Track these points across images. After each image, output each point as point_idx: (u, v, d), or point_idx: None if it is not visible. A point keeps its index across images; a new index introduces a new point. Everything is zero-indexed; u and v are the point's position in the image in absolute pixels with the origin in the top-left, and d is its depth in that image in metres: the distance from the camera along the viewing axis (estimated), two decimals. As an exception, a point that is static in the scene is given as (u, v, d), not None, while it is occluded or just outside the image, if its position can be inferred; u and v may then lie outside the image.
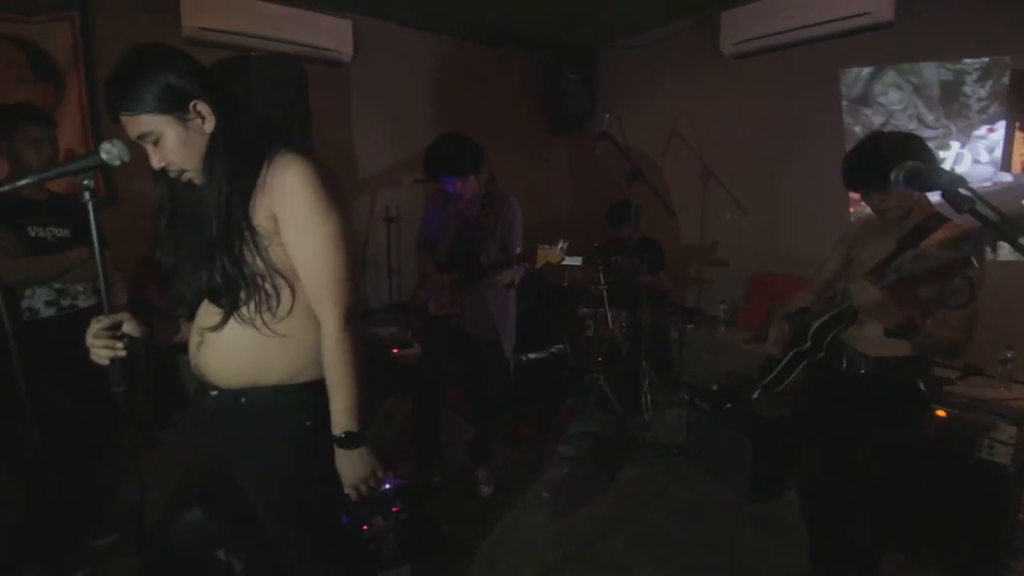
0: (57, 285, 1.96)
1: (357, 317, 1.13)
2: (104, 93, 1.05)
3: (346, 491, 1.19)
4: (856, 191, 1.63)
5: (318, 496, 1.24)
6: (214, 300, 1.14)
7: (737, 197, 4.00)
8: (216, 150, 1.08)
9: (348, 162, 4.17)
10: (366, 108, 4.20)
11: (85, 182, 1.06)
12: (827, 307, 1.66)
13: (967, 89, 2.94)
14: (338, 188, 1.12)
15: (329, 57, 3.77)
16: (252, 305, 1.10)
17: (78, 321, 1.96)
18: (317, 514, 1.26)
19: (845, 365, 1.64)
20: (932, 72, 3.01)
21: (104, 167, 1.08)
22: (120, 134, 1.07)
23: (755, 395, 1.83)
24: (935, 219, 1.51)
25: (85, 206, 1.09)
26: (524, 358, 3.55)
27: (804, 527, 1.98)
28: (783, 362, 1.77)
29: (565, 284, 4.08)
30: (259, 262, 1.09)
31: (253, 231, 1.08)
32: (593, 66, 4.85)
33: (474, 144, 2.34)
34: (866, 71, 3.24)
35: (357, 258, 1.15)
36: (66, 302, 1.99)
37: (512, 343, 2.57)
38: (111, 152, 1.06)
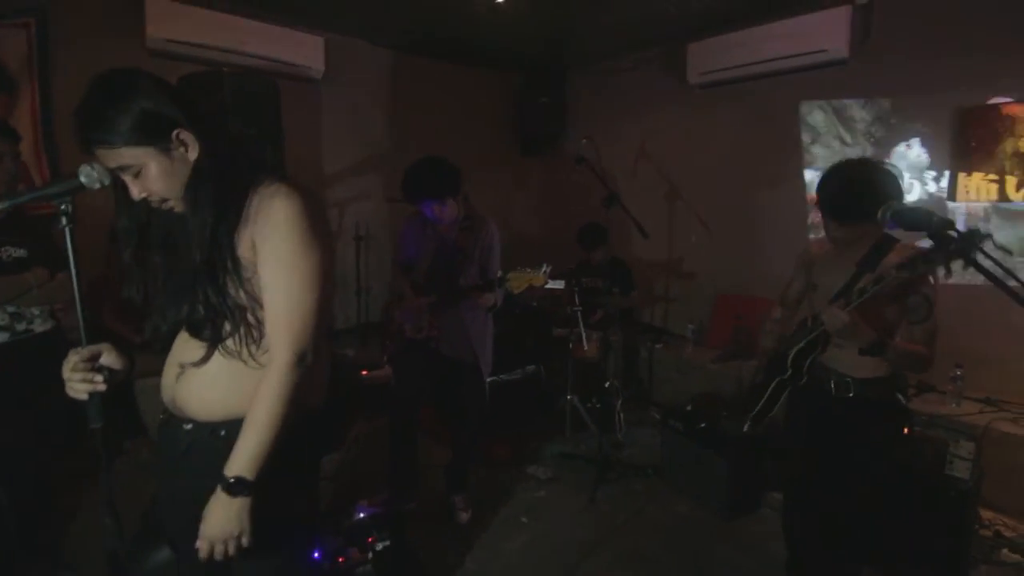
0: (11, 308, 1.83)
1: (309, 363, 1.06)
2: (74, 124, 0.97)
3: (199, 543, 1.03)
4: (842, 220, 1.64)
5: (291, 533, 1.19)
6: (195, 333, 1.09)
7: (703, 220, 4.13)
8: (201, 179, 1.03)
9: (317, 179, 4.09)
10: (337, 125, 4.15)
11: (63, 207, 1.00)
12: (801, 335, 1.74)
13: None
14: (323, 222, 1.09)
15: (300, 73, 3.72)
16: (237, 337, 1.06)
17: (33, 347, 1.87)
18: (289, 552, 1.20)
19: (833, 389, 1.71)
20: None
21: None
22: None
23: (746, 427, 1.91)
24: (887, 241, 1.60)
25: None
26: (498, 379, 3.52)
27: (778, 545, 2.03)
28: (768, 392, 1.85)
29: (534, 304, 4.11)
30: (241, 294, 1.06)
31: (236, 262, 1.04)
32: (563, 89, 4.95)
33: (453, 168, 2.34)
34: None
35: (331, 297, 1.11)
36: (21, 327, 1.85)
37: (490, 366, 2.55)
38: (91, 176, 1.00)
